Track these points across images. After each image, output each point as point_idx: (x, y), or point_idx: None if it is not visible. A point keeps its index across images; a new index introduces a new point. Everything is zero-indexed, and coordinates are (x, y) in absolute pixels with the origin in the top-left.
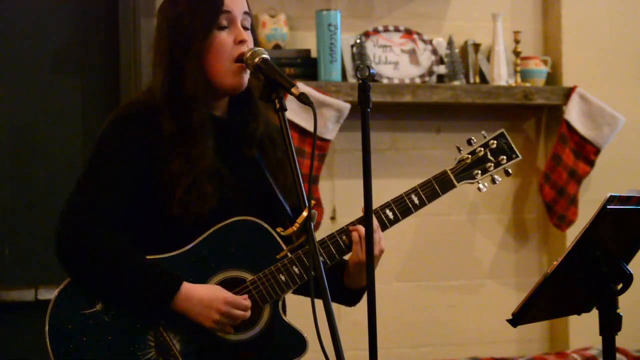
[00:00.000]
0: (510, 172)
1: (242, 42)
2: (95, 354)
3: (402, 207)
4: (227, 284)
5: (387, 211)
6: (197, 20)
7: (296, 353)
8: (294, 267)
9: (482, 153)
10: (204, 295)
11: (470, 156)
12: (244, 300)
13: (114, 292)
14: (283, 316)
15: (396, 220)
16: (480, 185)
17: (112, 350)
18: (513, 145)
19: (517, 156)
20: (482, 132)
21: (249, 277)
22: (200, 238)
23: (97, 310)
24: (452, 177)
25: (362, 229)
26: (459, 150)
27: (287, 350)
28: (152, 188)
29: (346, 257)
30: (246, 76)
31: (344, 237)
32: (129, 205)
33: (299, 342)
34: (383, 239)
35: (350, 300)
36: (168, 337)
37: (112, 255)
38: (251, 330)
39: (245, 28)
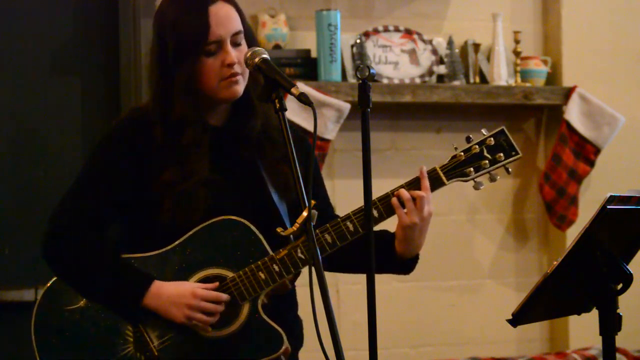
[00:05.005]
0: (510, 170)
1: (230, 65)
2: (76, 348)
3: (387, 205)
4: (207, 282)
5: (372, 210)
6: (181, 50)
7: (272, 350)
8: (274, 265)
9: (477, 150)
10: (173, 292)
11: (463, 153)
12: (216, 294)
13: (89, 291)
14: (262, 313)
15: (381, 218)
16: (476, 183)
17: (93, 345)
18: (513, 143)
19: (517, 153)
20: (482, 130)
21: (230, 274)
22: (184, 237)
23: (80, 306)
24: (441, 174)
25: (404, 193)
26: (456, 148)
27: (264, 347)
28: (143, 195)
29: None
30: (240, 85)
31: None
32: (117, 209)
33: (276, 339)
34: (430, 202)
35: (403, 268)
36: (146, 332)
37: (88, 256)
38: (229, 327)
39: (237, 44)
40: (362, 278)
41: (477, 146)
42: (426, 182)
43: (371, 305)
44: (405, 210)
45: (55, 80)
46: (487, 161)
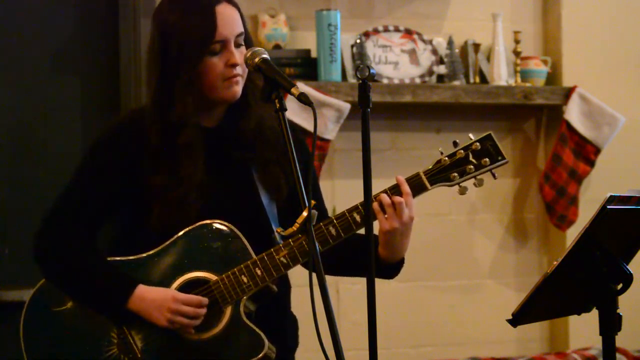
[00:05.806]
0: (496, 175)
1: (233, 65)
2: (62, 349)
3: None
4: (191, 285)
5: (354, 214)
6: (187, 49)
7: (254, 353)
8: (256, 269)
9: (462, 155)
10: (156, 296)
11: (448, 158)
12: (197, 297)
13: (75, 293)
14: (244, 317)
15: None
16: (461, 188)
17: (79, 346)
18: (500, 148)
19: (503, 159)
20: (470, 135)
21: (214, 278)
22: (170, 240)
23: (67, 308)
24: (425, 180)
25: (385, 198)
26: (441, 153)
27: (245, 351)
28: (135, 199)
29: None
30: (239, 86)
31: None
32: (109, 212)
33: (257, 343)
34: (412, 205)
35: (387, 273)
36: (130, 335)
37: (75, 257)
38: (212, 330)
39: (239, 45)
40: (361, 278)
41: (462, 151)
42: (406, 187)
43: (371, 305)
44: (385, 216)
45: (55, 80)
46: (472, 166)
